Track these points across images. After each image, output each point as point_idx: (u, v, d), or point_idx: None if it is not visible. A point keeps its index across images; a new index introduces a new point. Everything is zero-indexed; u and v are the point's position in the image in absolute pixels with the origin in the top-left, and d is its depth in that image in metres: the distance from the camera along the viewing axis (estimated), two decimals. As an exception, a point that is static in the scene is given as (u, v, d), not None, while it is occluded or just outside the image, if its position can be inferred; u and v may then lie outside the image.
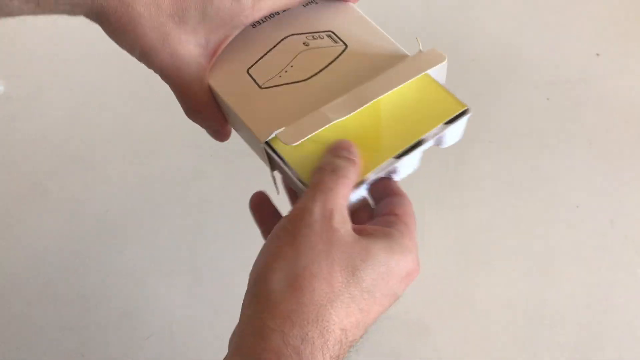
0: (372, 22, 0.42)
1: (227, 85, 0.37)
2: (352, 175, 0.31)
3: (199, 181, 0.62)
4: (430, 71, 0.38)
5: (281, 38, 0.39)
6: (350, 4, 0.40)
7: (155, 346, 0.52)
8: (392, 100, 0.35)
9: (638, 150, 0.62)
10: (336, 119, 0.33)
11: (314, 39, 0.39)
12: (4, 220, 0.60)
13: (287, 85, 0.37)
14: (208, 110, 0.37)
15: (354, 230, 0.29)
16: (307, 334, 0.26)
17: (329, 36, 0.40)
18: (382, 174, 0.34)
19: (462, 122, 0.35)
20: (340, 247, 0.28)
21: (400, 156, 0.34)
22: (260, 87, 0.37)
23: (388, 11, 0.75)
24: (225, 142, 0.68)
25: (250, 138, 0.37)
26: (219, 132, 0.39)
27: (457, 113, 0.35)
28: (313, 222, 0.28)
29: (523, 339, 0.52)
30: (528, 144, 0.63)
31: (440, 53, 0.39)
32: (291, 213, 0.29)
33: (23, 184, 0.62)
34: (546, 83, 0.68)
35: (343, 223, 0.29)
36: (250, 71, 0.37)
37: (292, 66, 0.38)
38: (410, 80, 0.35)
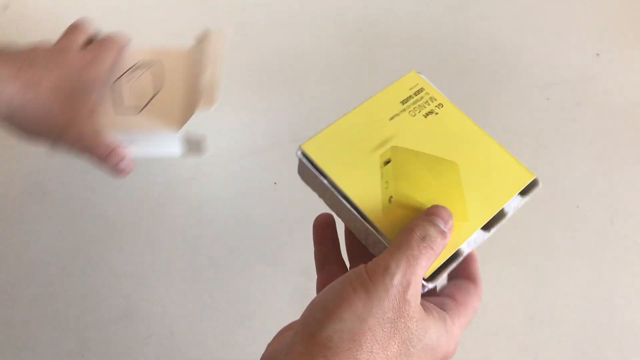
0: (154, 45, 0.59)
1: (117, 125, 0.53)
2: (439, 249, 0.32)
3: (199, 181, 0.62)
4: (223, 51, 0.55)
5: (114, 82, 0.56)
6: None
7: (155, 346, 0.52)
8: (469, 169, 0.37)
9: (638, 150, 0.62)
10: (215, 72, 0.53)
11: (134, 70, 0.57)
12: (4, 220, 0.60)
13: (152, 100, 0.54)
14: (115, 151, 0.50)
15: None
16: None
17: (143, 65, 0.57)
18: (473, 247, 0.35)
19: (534, 193, 0.37)
20: (406, 321, 0.29)
21: (488, 228, 0.35)
22: (138, 112, 0.54)
23: (388, 11, 0.75)
24: (225, 142, 0.69)
25: (167, 139, 0.53)
26: (127, 167, 0.52)
27: (529, 182, 0.37)
28: (391, 287, 0.29)
29: (523, 339, 0.52)
30: (528, 144, 0.63)
31: (218, 33, 0.57)
32: (371, 268, 0.30)
33: (23, 184, 0.62)
34: (546, 83, 0.68)
35: (415, 297, 0.30)
36: (122, 108, 0.54)
37: (139, 90, 0.55)
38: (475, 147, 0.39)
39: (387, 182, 0.35)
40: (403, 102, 0.39)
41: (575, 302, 0.53)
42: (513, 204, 0.37)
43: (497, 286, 0.54)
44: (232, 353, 0.52)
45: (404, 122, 0.38)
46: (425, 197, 0.35)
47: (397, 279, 0.29)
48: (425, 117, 0.39)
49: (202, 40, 0.57)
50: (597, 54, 0.70)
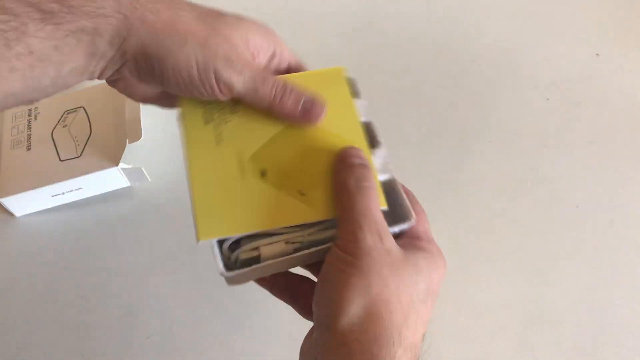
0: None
1: (64, 170, 0.58)
2: (372, 180, 0.32)
3: (199, 181, 0.62)
4: None
5: (50, 135, 0.61)
6: None
7: (155, 346, 0.52)
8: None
9: (638, 150, 0.62)
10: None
11: (65, 118, 0.62)
12: (4, 220, 0.60)
13: (88, 141, 0.60)
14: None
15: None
16: (395, 354, 0.28)
17: (70, 111, 0.62)
18: (391, 168, 0.35)
19: (359, 90, 0.39)
20: (398, 268, 0.30)
21: (376, 145, 0.36)
22: (79, 155, 0.59)
23: (388, 11, 0.75)
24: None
25: (111, 174, 0.59)
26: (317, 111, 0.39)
27: (343, 74, 0.39)
28: (370, 251, 0.29)
29: (523, 339, 0.52)
30: (528, 144, 0.63)
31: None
32: (343, 245, 0.30)
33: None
34: (546, 83, 0.68)
35: (391, 242, 0.30)
36: (64, 154, 0.59)
37: (75, 135, 0.60)
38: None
39: (283, 184, 0.34)
40: (206, 122, 0.37)
41: (575, 302, 0.53)
42: (361, 109, 0.37)
43: (497, 286, 0.54)
44: (232, 353, 0.52)
45: (228, 135, 0.36)
46: (316, 164, 0.34)
47: (369, 240, 0.30)
48: (232, 112, 0.36)
49: None
50: (597, 54, 0.70)
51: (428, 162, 0.61)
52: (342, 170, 0.32)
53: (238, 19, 0.36)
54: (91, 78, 0.34)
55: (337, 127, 0.36)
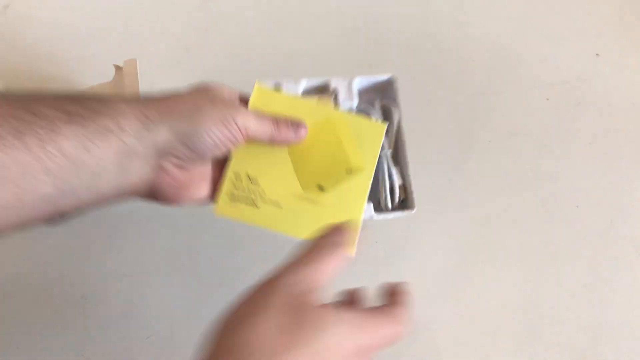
0: None
1: None
2: (339, 253, 0.33)
3: (199, 181, 0.62)
4: None
5: None
6: None
7: (155, 346, 0.52)
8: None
9: (638, 150, 0.62)
10: None
11: None
12: (4, 220, 0.60)
13: None
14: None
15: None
16: None
17: None
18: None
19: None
20: (297, 312, 0.30)
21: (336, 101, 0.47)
22: None
23: (388, 11, 0.75)
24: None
25: None
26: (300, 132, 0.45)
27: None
28: (280, 286, 0.32)
29: (523, 339, 0.52)
30: (528, 144, 0.63)
31: (129, 63, 0.57)
32: (280, 267, 0.33)
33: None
34: (546, 83, 0.68)
35: (309, 297, 0.31)
36: None
37: None
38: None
39: (335, 180, 0.41)
40: (255, 206, 0.43)
41: (575, 302, 0.53)
42: (296, 92, 0.47)
43: (497, 286, 0.54)
44: (232, 353, 0.52)
45: (275, 197, 0.42)
46: (330, 149, 0.42)
47: (290, 279, 0.32)
48: (255, 184, 0.42)
49: (116, 74, 0.60)
50: (597, 54, 0.70)
51: (428, 162, 0.61)
52: (327, 237, 0.34)
53: (198, 84, 0.41)
54: (127, 184, 0.37)
55: (311, 118, 0.42)
